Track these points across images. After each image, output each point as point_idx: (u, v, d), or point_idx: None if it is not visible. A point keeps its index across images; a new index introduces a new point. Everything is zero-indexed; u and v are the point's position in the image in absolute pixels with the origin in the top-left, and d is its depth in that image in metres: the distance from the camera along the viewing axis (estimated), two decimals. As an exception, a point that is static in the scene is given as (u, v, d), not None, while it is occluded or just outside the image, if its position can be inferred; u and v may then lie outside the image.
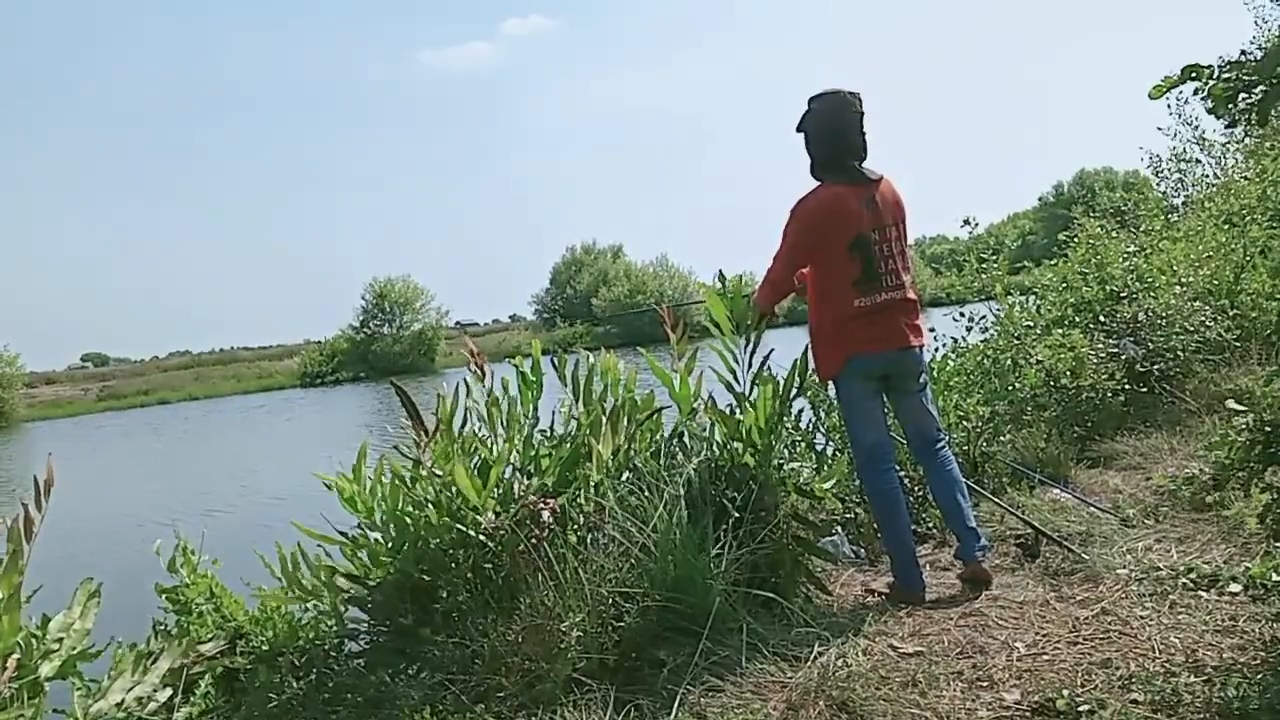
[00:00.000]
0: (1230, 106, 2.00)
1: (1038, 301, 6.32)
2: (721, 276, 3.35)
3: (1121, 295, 5.99)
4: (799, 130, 3.17)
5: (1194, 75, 2.01)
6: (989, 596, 3.00)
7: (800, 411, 4.10)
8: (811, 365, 3.28)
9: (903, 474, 3.71)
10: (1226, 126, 2.13)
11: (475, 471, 2.89)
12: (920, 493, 3.94)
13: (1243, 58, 1.98)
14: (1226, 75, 1.97)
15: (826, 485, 3.31)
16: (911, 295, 3.11)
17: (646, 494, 2.83)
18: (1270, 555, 2.83)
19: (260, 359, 58.94)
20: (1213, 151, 11.20)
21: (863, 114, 3.07)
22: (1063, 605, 2.83)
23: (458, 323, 56.80)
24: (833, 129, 3.06)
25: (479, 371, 3.22)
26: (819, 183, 3.09)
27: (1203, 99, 2.03)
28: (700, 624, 2.60)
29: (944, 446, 3.22)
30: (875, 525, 3.73)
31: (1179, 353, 5.51)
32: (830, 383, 3.23)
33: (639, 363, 3.53)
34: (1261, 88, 1.92)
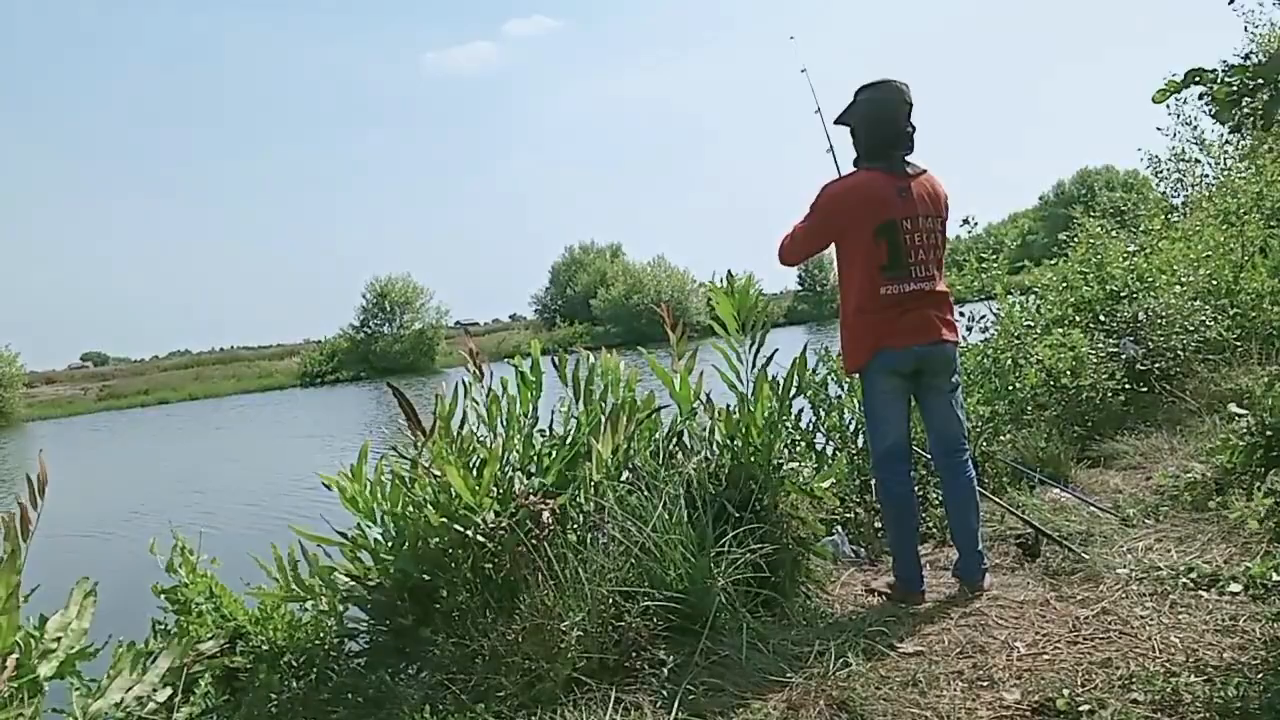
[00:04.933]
0: (1234, 111, 1.99)
1: (1038, 301, 6.31)
2: (730, 276, 3.35)
3: (1121, 295, 5.99)
4: (838, 123, 3.13)
5: (1198, 79, 2.01)
6: (989, 596, 3.00)
7: (800, 411, 4.10)
8: (813, 361, 3.27)
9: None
10: (1231, 131, 2.13)
11: (474, 471, 2.89)
12: (922, 492, 3.93)
13: (1246, 61, 1.98)
14: (1230, 79, 1.96)
15: (826, 485, 3.31)
16: (942, 288, 3.02)
17: (646, 494, 2.83)
18: (1270, 555, 2.83)
19: (260, 358, 58.89)
20: (1211, 152, 11.21)
21: (910, 105, 3.02)
22: (1063, 605, 2.83)
23: (458, 322, 56.76)
24: (882, 118, 3.02)
25: (478, 371, 3.21)
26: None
27: (1206, 103, 2.03)
28: (700, 623, 2.60)
29: (968, 457, 3.10)
30: (876, 524, 3.73)
31: (1179, 352, 5.51)
32: (856, 375, 3.14)
33: (639, 362, 3.53)
34: (1266, 92, 1.92)
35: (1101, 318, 5.84)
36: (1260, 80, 1.92)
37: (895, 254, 2.92)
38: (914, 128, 3.03)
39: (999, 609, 2.86)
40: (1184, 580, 2.85)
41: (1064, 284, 6.39)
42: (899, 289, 2.93)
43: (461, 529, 2.79)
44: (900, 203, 2.94)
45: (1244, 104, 1.95)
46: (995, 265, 6.24)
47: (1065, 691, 2.18)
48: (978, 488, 3.14)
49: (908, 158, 3.03)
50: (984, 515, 3.70)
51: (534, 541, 2.68)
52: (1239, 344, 5.73)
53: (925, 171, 3.04)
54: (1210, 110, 2.02)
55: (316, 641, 2.94)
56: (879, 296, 2.94)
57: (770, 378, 3.24)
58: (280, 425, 26.34)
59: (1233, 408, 3.50)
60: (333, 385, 44.79)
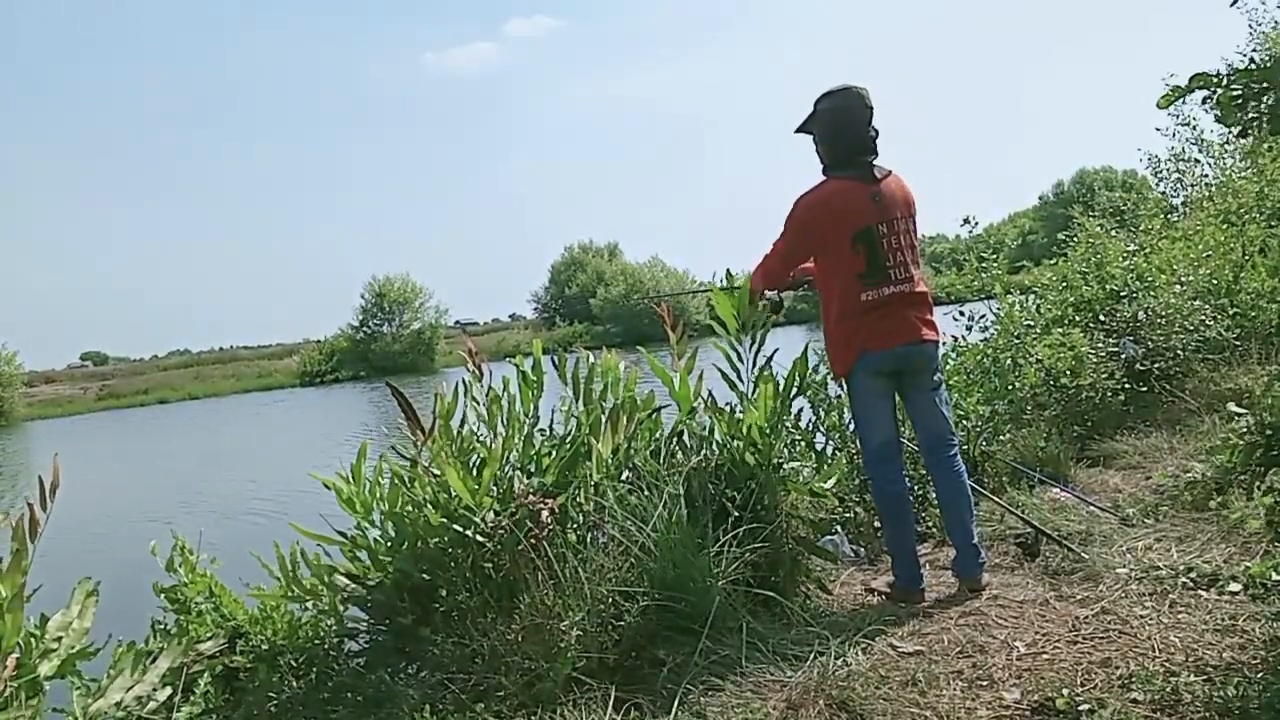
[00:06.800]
0: (1239, 114, 1.99)
1: (1037, 301, 6.31)
2: (729, 275, 3.35)
3: (1121, 294, 5.99)
4: (799, 131, 3.16)
5: (1202, 84, 2.00)
6: (989, 596, 3.00)
7: (800, 411, 4.10)
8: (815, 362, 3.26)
9: (906, 471, 3.69)
10: (1238, 135, 2.12)
11: (474, 470, 2.89)
12: (920, 491, 3.93)
13: (1251, 65, 1.97)
14: (1235, 83, 1.96)
15: (826, 484, 3.31)
16: (921, 289, 3.05)
17: (646, 493, 2.83)
18: (1270, 554, 2.83)
19: (260, 358, 58.87)
20: (1211, 152, 11.20)
21: (872, 110, 3.05)
22: (1062, 604, 2.83)
23: (457, 322, 56.70)
24: (843, 126, 3.04)
25: (477, 371, 3.20)
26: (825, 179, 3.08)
27: (1211, 108, 2.02)
28: (700, 623, 2.60)
29: (956, 452, 3.14)
30: (876, 524, 3.73)
31: (1179, 351, 5.51)
32: (843, 380, 3.20)
33: (639, 361, 3.53)
34: (1272, 95, 1.91)
35: (1101, 317, 5.83)
36: (1265, 84, 1.91)
37: (873, 260, 2.97)
38: (877, 131, 3.06)
39: (999, 608, 2.86)
40: (1184, 580, 2.85)
41: (1064, 284, 6.39)
42: (878, 294, 2.98)
43: (461, 529, 2.79)
44: (874, 209, 2.98)
45: (1249, 108, 1.94)
46: (995, 265, 6.25)
47: (1065, 691, 2.19)
48: (975, 485, 3.16)
49: (873, 161, 3.05)
50: (984, 515, 3.71)
51: (534, 541, 2.68)
52: (1239, 343, 5.72)
53: (891, 173, 3.07)
54: (1215, 114, 2.00)
55: (316, 641, 2.94)
56: (860, 303, 2.99)
57: (772, 376, 3.24)
58: (280, 423, 26.32)
59: (1232, 407, 3.50)
60: (332, 385, 44.78)
